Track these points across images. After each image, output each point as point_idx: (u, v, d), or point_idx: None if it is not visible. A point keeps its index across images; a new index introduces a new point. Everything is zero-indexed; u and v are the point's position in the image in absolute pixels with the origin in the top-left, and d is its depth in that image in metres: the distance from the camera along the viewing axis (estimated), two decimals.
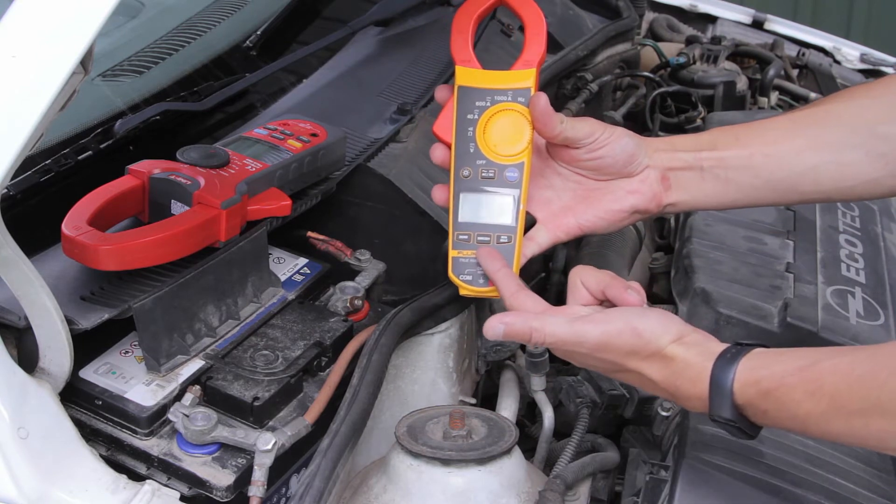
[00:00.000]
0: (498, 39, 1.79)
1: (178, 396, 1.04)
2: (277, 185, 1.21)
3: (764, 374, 0.91)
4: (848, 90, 1.19)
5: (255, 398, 1.04)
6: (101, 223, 1.08)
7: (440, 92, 1.13)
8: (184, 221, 1.09)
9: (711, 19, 2.38)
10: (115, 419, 1.03)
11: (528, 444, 1.17)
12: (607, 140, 1.10)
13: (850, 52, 2.28)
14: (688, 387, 0.94)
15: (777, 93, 2.13)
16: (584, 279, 1.05)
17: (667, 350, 0.96)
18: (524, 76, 1.07)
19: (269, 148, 1.24)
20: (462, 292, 1.09)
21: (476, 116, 1.07)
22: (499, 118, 1.07)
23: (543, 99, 1.08)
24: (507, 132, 1.08)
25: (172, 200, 1.13)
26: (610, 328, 0.98)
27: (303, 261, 1.26)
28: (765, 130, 1.14)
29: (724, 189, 1.13)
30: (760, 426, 0.94)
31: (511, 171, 1.07)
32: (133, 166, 1.15)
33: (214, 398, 1.05)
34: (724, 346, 0.95)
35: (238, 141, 1.25)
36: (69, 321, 0.98)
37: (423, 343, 1.23)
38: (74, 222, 1.06)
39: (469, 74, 1.07)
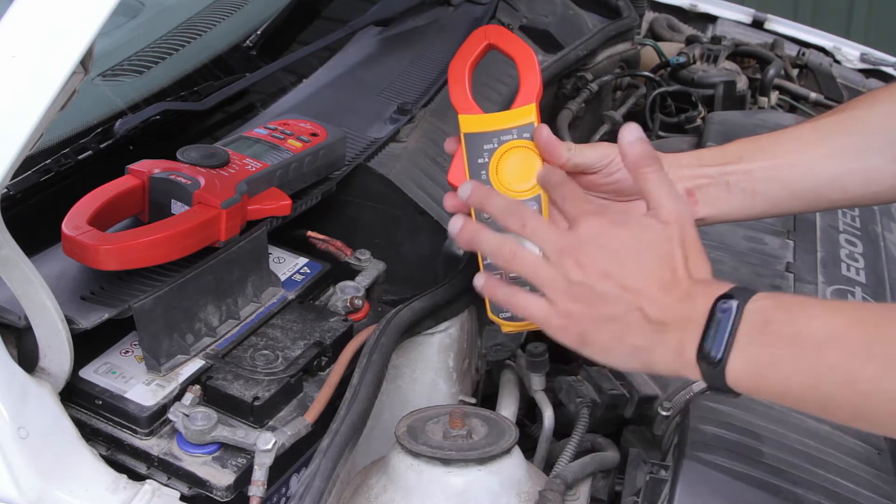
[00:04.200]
0: None
1: (178, 396, 1.04)
2: (277, 185, 1.21)
3: (765, 349, 0.87)
4: (871, 94, 1.18)
5: (255, 398, 1.04)
6: (101, 223, 1.08)
7: (449, 144, 1.12)
8: (184, 221, 1.09)
9: (711, 19, 2.38)
10: (115, 419, 1.03)
11: (528, 444, 1.17)
12: (622, 164, 1.06)
13: (850, 52, 2.28)
14: (680, 345, 0.89)
15: (777, 92, 2.13)
16: None
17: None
18: (525, 112, 1.08)
19: (269, 147, 1.24)
20: (505, 329, 1.10)
21: (486, 160, 1.08)
22: (508, 157, 1.08)
23: (545, 130, 1.07)
24: (518, 169, 1.08)
25: (172, 200, 1.13)
26: None
27: (303, 260, 1.26)
28: (790, 140, 1.13)
29: (752, 202, 1.11)
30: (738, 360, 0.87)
31: (529, 205, 1.07)
32: (133, 166, 1.15)
33: (214, 398, 1.05)
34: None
35: (238, 141, 1.25)
36: (69, 321, 0.98)
37: (423, 343, 1.23)
38: (74, 222, 1.06)
39: (472, 121, 1.09)
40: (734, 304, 0.87)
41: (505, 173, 1.08)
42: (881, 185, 1.10)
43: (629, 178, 1.03)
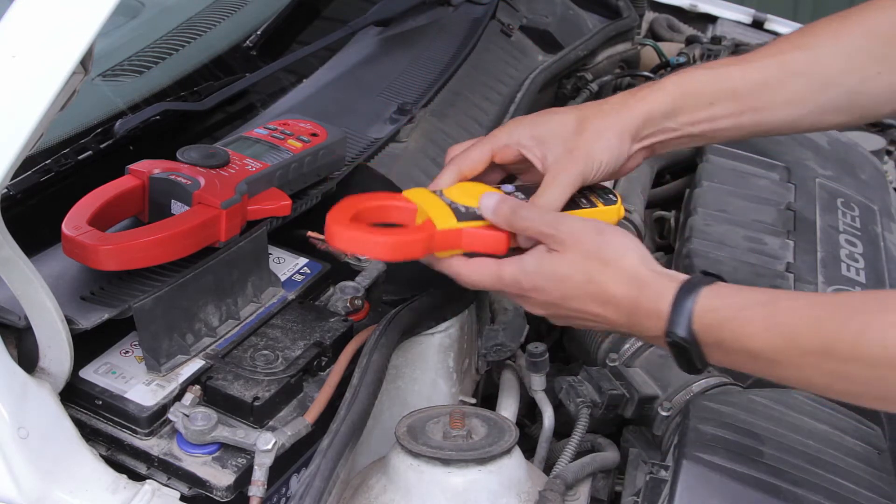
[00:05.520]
0: (498, 40, 1.79)
1: (178, 396, 1.04)
2: (277, 185, 1.21)
3: (726, 302, 0.95)
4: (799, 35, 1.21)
5: (255, 398, 1.04)
6: (101, 223, 1.08)
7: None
8: (184, 221, 1.09)
9: (711, 19, 2.38)
10: (115, 419, 1.03)
11: (528, 444, 1.17)
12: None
13: None
14: (649, 304, 0.97)
15: None
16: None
17: (630, 266, 1.00)
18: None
19: (269, 148, 1.24)
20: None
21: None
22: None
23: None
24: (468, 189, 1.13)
25: (172, 200, 1.13)
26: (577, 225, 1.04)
27: (303, 261, 1.26)
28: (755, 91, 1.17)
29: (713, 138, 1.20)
30: (709, 364, 0.97)
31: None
32: (133, 166, 1.15)
33: (214, 398, 1.05)
34: (685, 275, 1.00)
35: (238, 141, 1.25)
36: (69, 321, 0.98)
37: (423, 343, 1.23)
38: (74, 222, 1.06)
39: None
40: (683, 338, 0.95)
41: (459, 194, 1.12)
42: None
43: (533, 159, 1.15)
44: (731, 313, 0.94)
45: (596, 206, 1.14)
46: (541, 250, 1.03)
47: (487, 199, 1.08)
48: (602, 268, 1.00)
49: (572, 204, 1.12)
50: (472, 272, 1.07)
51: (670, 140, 1.17)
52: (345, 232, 1.05)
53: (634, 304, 0.99)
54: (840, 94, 1.14)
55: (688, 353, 0.96)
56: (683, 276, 0.99)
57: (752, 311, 0.93)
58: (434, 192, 1.13)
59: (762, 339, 0.92)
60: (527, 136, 1.15)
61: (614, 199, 1.16)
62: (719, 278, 0.98)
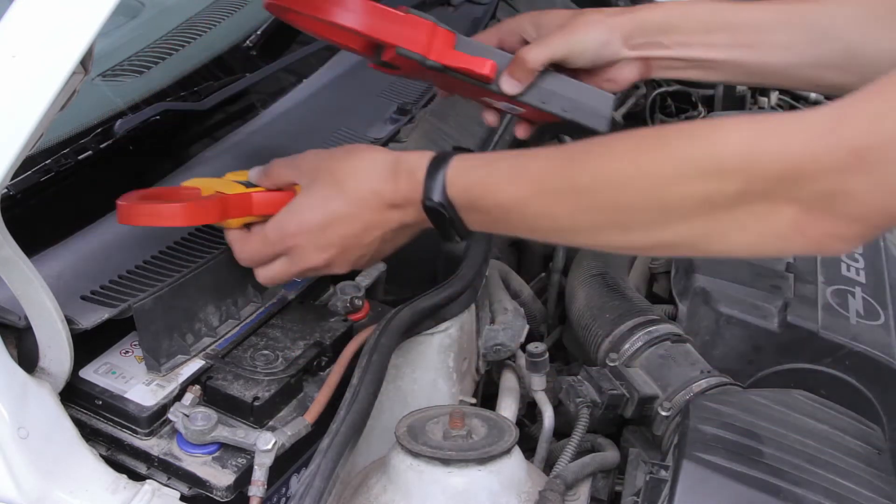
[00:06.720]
0: None
1: (178, 396, 1.04)
2: None
3: (475, 164, 1.01)
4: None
5: (255, 398, 1.04)
6: None
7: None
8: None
9: None
10: (115, 419, 1.03)
11: (528, 444, 1.17)
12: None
13: None
14: (407, 183, 1.03)
15: (777, 93, 2.12)
16: None
17: (379, 157, 1.06)
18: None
19: None
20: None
21: None
22: None
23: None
24: None
25: None
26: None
27: None
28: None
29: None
30: (468, 230, 1.02)
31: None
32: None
33: (214, 398, 1.05)
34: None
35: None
36: (69, 321, 0.98)
37: (423, 343, 1.23)
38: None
39: None
40: (438, 202, 1.00)
41: None
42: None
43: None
44: (481, 171, 1.00)
45: None
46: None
47: (253, 172, 1.13)
48: (353, 173, 1.05)
49: None
50: (242, 239, 1.10)
51: (664, 59, 1.19)
52: (137, 206, 1.07)
53: (394, 188, 1.03)
54: (838, 50, 1.14)
55: (445, 219, 1.01)
56: (435, 152, 1.04)
57: (500, 164, 1.00)
58: (215, 178, 1.17)
59: (511, 188, 0.97)
60: (528, 21, 1.22)
61: None
62: (471, 151, 1.03)
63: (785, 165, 0.82)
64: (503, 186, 0.98)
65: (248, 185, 1.13)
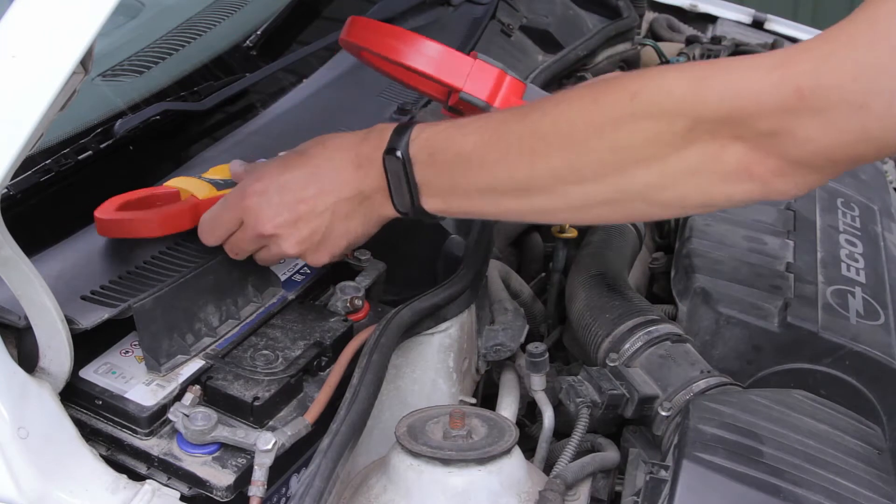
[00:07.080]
0: (498, 40, 1.79)
1: (179, 396, 1.04)
2: None
3: (441, 124, 1.04)
4: None
5: (256, 398, 1.04)
6: None
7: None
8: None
9: (711, 19, 2.38)
10: (115, 419, 1.03)
11: (528, 444, 1.17)
12: None
13: None
14: (376, 135, 1.05)
15: None
16: None
17: (350, 133, 1.09)
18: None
19: None
20: None
21: None
22: None
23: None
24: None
25: None
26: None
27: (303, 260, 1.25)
28: None
29: None
30: (423, 206, 1.04)
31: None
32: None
33: (214, 398, 1.05)
34: None
35: None
36: (69, 321, 0.98)
37: (423, 343, 1.23)
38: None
39: None
40: (399, 154, 1.02)
41: None
42: None
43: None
44: (446, 124, 1.03)
45: None
46: None
47: (234, 164, 1.17)
48: (321, 142, 1.10)
49: None
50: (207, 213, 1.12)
51: None
52: (113, 219, 1.11)
53: (359, 145, 1.06)
54: None
55: (401, 180, 1.03)
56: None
57: (464, 120, 1.03)
58: (194, 176, 1.20)
59: (473, 136, 1.00)
60: None
61: None
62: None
63: (730, 104, 0.85)
64: (465, 132, 1.01)
65: (217, 182, 1.16)
